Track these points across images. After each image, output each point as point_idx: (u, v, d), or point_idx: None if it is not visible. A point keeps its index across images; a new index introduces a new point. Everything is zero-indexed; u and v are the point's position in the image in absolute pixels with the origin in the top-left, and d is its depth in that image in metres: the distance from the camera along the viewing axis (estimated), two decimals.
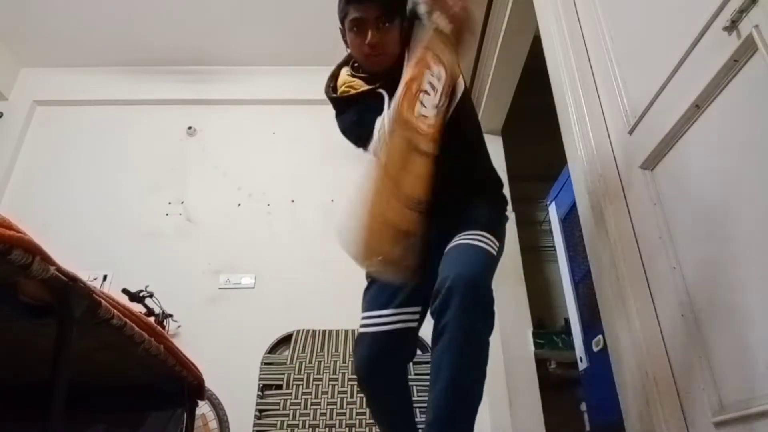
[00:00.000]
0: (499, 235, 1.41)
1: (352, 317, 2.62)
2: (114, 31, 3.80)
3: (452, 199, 1.45)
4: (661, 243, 1.20)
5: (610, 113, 1.44)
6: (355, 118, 1.37)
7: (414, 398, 2.77)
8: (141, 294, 2.85)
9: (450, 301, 1.20)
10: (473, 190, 1.49)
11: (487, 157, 1.58)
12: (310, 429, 2.72)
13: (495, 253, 1.34)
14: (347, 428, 2.71)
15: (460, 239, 1.35)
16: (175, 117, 3.98)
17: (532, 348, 2.87)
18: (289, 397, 2.82)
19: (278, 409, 2.79)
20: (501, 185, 1.57)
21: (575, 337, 2.43)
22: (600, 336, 2.09)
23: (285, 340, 3.10)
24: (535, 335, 2.93)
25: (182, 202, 3.67)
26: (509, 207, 1.63)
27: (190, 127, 3.94)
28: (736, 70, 0.96)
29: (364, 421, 2.74)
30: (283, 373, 2.90)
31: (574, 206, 2.27)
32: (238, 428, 2.76)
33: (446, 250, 1.37)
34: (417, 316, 1.43)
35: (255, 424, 2.77)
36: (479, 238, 1.34)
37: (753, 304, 0.94)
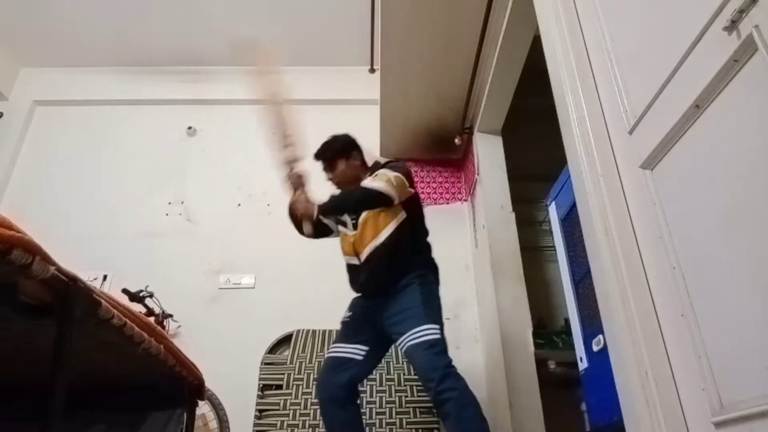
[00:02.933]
0: (436, 314, 1.96)
1: None
2: (114, 31, 3.80)
3: (384, 284, 2.04)
4: (661, 243, 1.20)
5: (610, 113, 1.44)
6: None
7: (414, 398, 2.80)
8: (141, 294, 2.85)
9: (443, 397, 1.77)
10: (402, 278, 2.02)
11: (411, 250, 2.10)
12: (310, 429, 2.72)
13: (439, 335, 1.88)
14: None
15: (409, 341, 1.87)
16: (175, 117, 3.98)
17: (532, 348, 2.86)
18: (289, 397, 2.82)
19: (278, 409, 2.79)
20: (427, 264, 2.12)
21: (575, 337, 2.43)
22: (600, 336, 2.09)
23: (285, 340, 3.10)
24: (535, 335, 2.92)
25: (182, 202, 3.67)
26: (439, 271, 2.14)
27: (190, 127, 3.94)
28: (736, 70, 0.96)
29: (363, 421, 2.74)
30: (283, 373, 2.90)
31: (574, 206, 2.26)
32: (238, 428, 2.76)
33: (404, 348, 1.90)
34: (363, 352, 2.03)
35: (255, 424, 2.77)
36: (422, 333, 1.86)
37: (753, 304, 0.94)
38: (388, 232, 2.04)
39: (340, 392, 1.97)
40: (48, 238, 0.89)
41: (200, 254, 3.46)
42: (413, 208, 2.15)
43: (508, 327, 2.86)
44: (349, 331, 2.10)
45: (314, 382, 2.86)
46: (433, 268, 2.14)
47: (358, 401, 2.09)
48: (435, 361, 1.82)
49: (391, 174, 2.05)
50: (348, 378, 1.99)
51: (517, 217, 3.21)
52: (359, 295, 2.18)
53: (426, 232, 2.22)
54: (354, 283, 2.17)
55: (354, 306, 2.17)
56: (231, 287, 3.38)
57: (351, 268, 2.18)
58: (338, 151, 2.26)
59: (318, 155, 2.28)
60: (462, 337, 3.25)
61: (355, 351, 2.04)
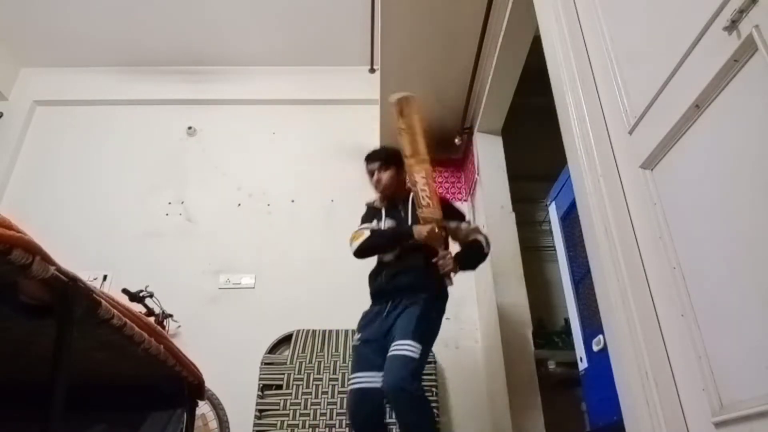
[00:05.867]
0: (427, 338, 1.98)
1: (352, 317, 2.63)
2: (114, 31, 3.80)
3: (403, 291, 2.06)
4: (661, 243, 1.20)
5: (610, 113, 1.44)
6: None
7: None
8: (141, 294, 2.85)
9: (394, 407, 1.84)
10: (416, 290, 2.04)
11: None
12: (310, 429, 2.72)
13: (418, 355, 1.88)
14: (347, 428, 2.71)
15: (393, 350, 1.90)
16: (175, 117, 3.98)
17: (532, 348, 2.86)
18: (289, 397, 2.82)
19: (278, 409, 2.79)
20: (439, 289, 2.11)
21: (575, 337, 2.43)
22: (600, 336, 2.09)
23: (285, 340, 3.10)
24: (535, 335, 2.92)
25: (182, 202, 3.67)
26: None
27: (190, 127, 3.94)
28: (736, 70, 0.96)
29: None
30: (283, 373, 2.90)
31: (574, 206, 2.26)
32: (238, 428, 2.76)
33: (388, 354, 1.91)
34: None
35: (255, 424, 2.77)
36: (405, 347, 1.89)
37: (753, 304, 0.94)
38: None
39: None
40: (48, 238, 0.89)
41: (200, 254, 3.46)
42: None
43: (508, 327, 2.86)
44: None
45: (314, 382, 2.86)
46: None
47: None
48: (404, 379, 1.84)
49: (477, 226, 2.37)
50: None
51: (517, 217, 3.21)
52: None
53: None
54: None
55: None
56: (231, 287, 3.38)
57: None
58: (396, 159, 2.29)
59: (375, 156, 2.34)
60: (462, 337, 3.25)
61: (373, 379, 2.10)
